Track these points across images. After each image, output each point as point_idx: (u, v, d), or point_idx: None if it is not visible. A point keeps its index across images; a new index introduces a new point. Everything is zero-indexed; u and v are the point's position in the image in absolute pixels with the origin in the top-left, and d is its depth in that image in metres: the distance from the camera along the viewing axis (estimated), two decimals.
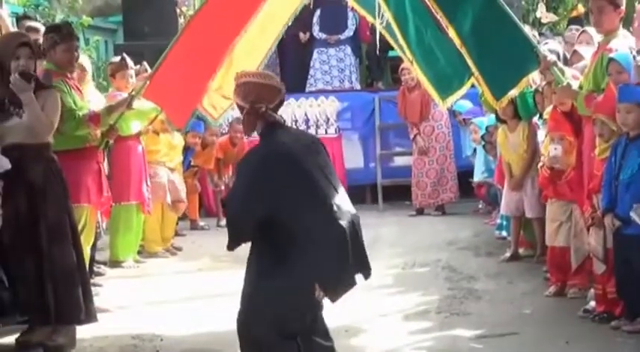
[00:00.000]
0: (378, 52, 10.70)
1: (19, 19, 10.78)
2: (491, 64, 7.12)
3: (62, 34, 7.19)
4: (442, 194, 12.58)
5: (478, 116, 11.27)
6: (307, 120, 13.04)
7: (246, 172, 5.04)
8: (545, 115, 7.63)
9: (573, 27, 10.01)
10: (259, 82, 5.11)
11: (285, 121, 5.25)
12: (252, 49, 7.85)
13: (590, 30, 7.74)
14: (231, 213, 5.07)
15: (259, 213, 4.88)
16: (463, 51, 7.09)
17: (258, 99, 5.05)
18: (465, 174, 12.38)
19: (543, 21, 12.97)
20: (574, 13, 13.03)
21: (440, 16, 7.00)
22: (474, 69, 7.19)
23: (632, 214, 6.20)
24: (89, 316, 6.48)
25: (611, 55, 6.42)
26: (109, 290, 8.28)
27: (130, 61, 9.44)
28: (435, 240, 10.43)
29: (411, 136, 12.65)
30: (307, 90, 13.89)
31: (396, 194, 13.10)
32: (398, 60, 11.47)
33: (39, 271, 6.22)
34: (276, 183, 4.89)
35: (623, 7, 6.71)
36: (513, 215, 9.05)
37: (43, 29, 9.14)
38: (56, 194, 6.35)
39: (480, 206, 12.24)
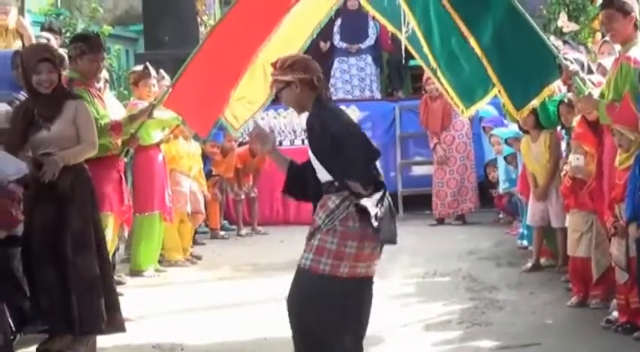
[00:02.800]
0: (403, 61, 10.71)
1: (44, 29, 10.86)
2: (512, 74, 7.09)
3: (91, 44, 7.20)
4: (462, 204, 12.55)
5: (499, 125, 11.23)
6: None
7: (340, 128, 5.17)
8: (574, 123, 7.58)
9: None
10: (308, 57, 5.45)
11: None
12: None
13: None
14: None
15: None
16: (484, 61, 7.06)
17: (317, 72, 5.29)
18: (484, 184, 12.36)
19: (565, 30, 12.90)
20: (596, 24, 12.98)
21: (461, 26, 6.96)
22: (494, 79, 7.16)
23: None
24: (115, 326, 6.47)
25: None
26: (130, 299, 8.26)
27: (152, 70, 9.48)
28: (455, 250, 10.40)
29: (431, 146, 12.64)
30: None
31: (417, 203, 13.07)
32: (419, 69, 11.44)
33: (63, 280, 6.23)
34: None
35: (635, 14, 6.65)
36: (538, 225, 9.01)
37: (53, 39, 9.24)
38: (83, 203, 6.34)
39: (501, 216, 12.20)
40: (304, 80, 5.22)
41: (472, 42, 6.98)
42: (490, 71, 7.07)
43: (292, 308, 5.17)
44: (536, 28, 6.99)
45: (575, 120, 7.53)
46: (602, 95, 6.75)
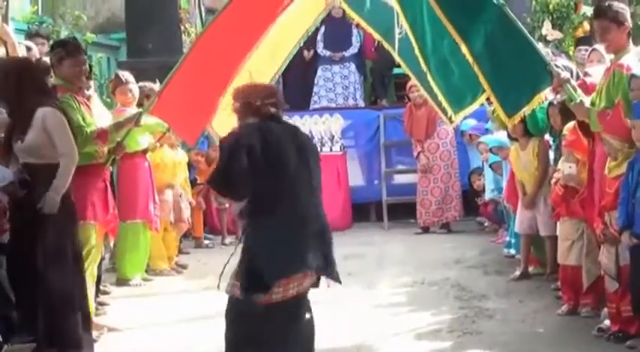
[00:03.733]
0: (396, 61, 10.64)
1: (32, 35, 10.80)
2: (503, 82, 7.05)
3: (68, 48, 7.18)
4: (446, 212, 12.51)
5: (484, 133, 11.23)
6: (312, 138, 12.92)
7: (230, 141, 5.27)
8: (565, 131, 7.56)
9: (582, 48, 9.95)
10: (251, 83, 5.65)
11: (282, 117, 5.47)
12: (263, 67, 7.81)
13: (600, 48, 7.70)
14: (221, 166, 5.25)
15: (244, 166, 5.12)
16: (475, 68, 7.02)
17: (253, 95, 5.39)
18: (468, 193, 12.34)
19: (549, 38, 12.93)
20: (580, 32, 13.02)
21: (453, 33, 6.92)
22: (486, 86, 7.12)
23: None
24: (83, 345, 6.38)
25: (633, 71, 6.36)
26: (117, 309, 8.21)
27: (128, 76, 9.43)
28: (442, 259, 10.36)
29: (415, 154, 12.60)
30: (311, 107, 13.87)
31: (401, 212, 13.04)
32: (403, 77, 11.42)
33: (32, 294, 6.15)
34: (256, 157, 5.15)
35: (628, 23, 6.65)
36: (526, 233, 8.98)
37: (35, 47, 9.17)
38: (59, 216, 6.24)
39: (486, 224, 12.18)
40: (246, 104, 5.38)
41: (464, 49, 6.94)
42: (481, 78, 7.02)
43: (228, 338, 5.27)
44: (528, 36, 6.96)
45: (567, 128, 7.51)
46: (592, 103, 6.74)
